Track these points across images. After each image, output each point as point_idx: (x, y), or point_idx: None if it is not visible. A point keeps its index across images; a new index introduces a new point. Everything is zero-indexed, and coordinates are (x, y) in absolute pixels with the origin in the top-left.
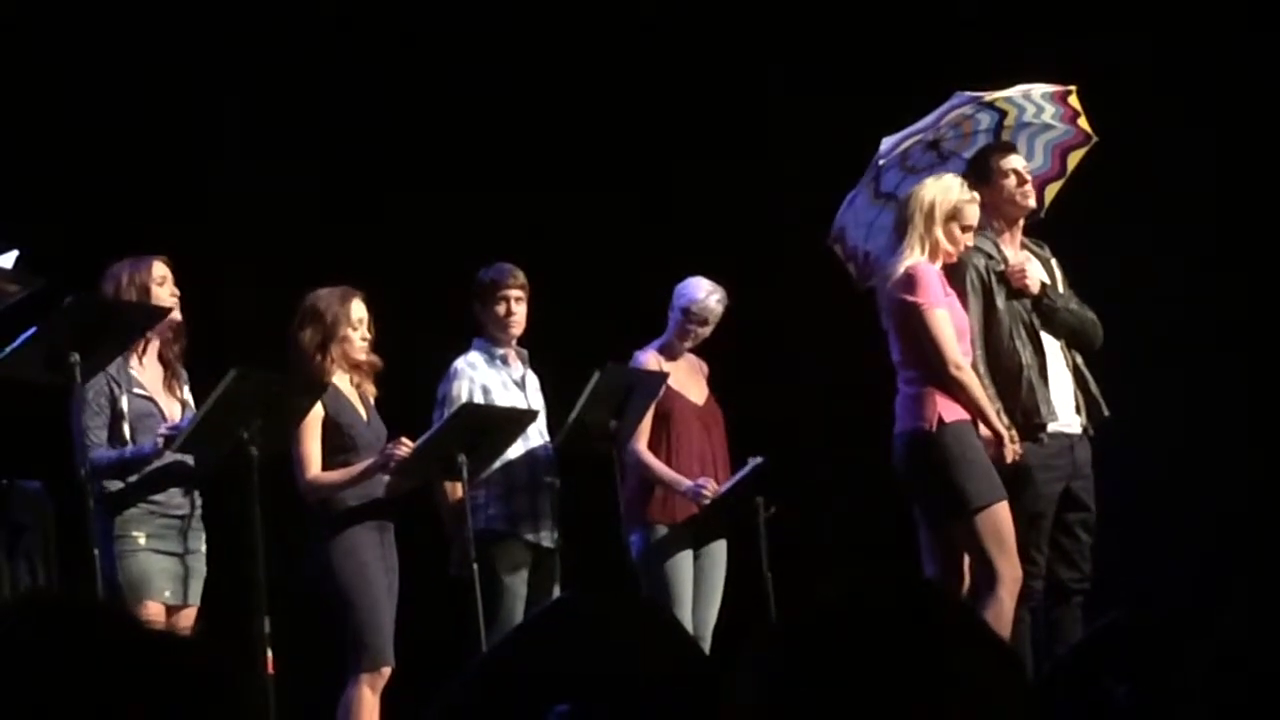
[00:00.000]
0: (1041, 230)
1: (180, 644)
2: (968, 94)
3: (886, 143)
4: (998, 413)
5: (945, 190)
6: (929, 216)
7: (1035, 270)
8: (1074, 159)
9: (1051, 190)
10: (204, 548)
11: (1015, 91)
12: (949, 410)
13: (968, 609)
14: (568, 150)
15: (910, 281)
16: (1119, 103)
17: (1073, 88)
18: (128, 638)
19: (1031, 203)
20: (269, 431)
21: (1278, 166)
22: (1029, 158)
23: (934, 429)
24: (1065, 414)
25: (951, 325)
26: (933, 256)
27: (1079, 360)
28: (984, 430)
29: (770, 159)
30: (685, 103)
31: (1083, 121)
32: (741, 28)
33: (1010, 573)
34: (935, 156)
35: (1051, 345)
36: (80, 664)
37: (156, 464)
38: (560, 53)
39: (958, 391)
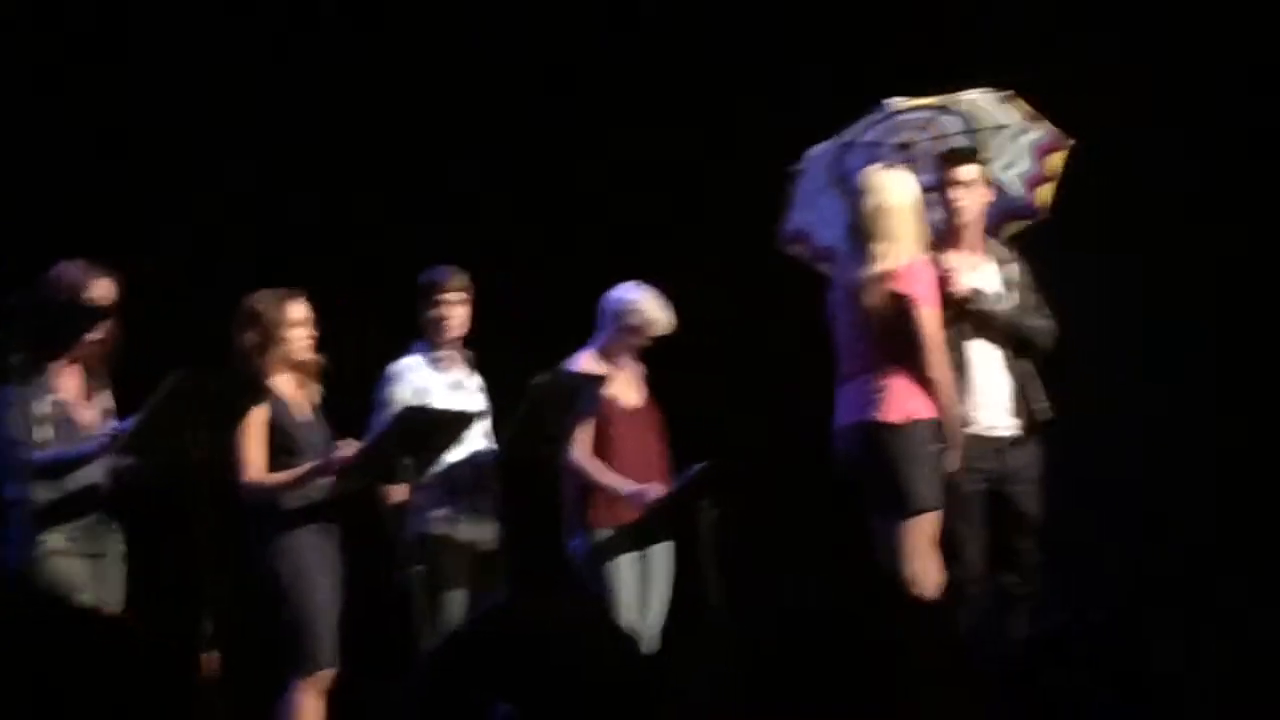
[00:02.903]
0: (1042, 233)
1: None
2: (896, 101)
3: (814, 151)
4: None
5: (914, 185)
6: (915, 210)
7: (965, 277)
8: (1056, 160)
9: (1044, 192)
10: (124, 548)
11: (964, 96)
12: (920, 407)
13: (923, 606)
14: (513, 152)
15: (909, 275)
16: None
17: (1010, 91)
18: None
19: (965, 219)
20: (212, 434)
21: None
22: (1014, 162)
23: (902, 422)
24: (997, 417)
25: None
26: (922, 252)
27: (1025, 365)
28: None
29: (707, 157)
30: (618, 109)
31: (1046, 123)
32: (683, 29)
33: (917, 579)
34: (904, 159)
35: (987, 349)
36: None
37: (81, 473)
38: (503, 50)
39: (935, 391)
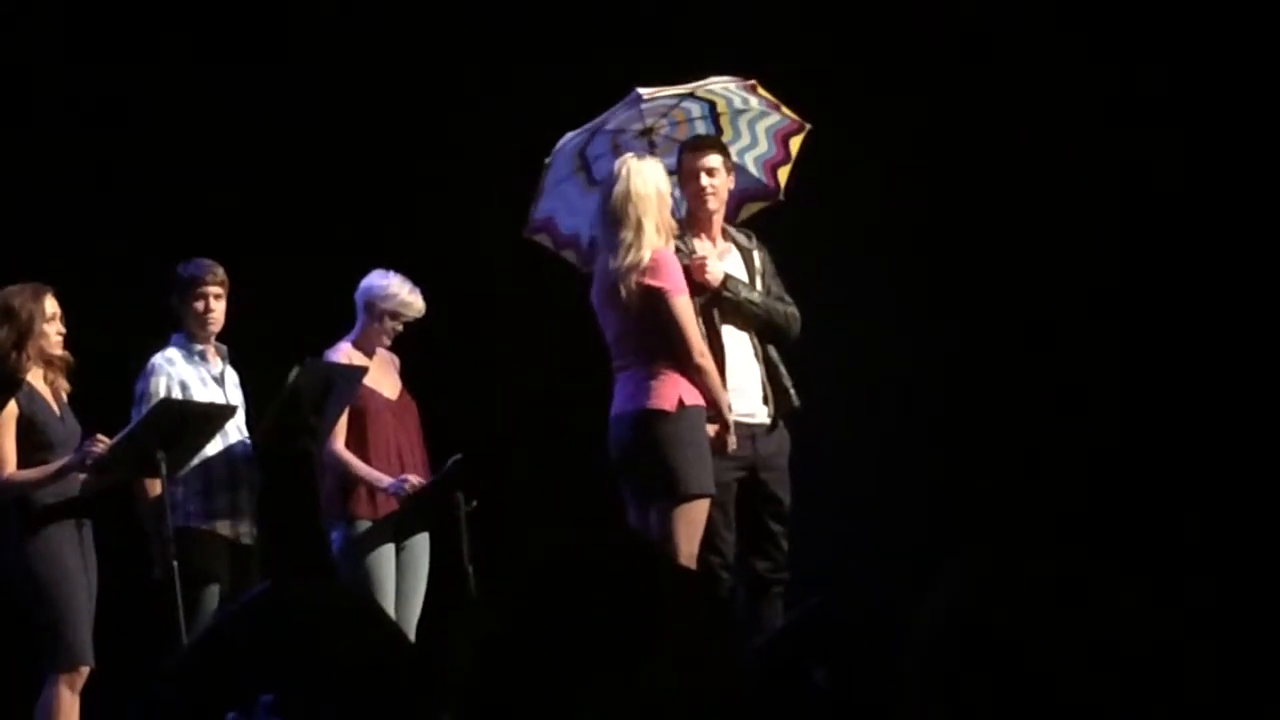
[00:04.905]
0: (778, 215)
1: None
2: (646, 89)
3: (563, 140)
4: None
5: (663, 175)
6: (660, 200)
7: (716, 264)
8: (795, 143)
9: (783, 173)
10: None
11: (711, 83)
12: (689, 394)
13: (681, 566)
14: (265, 145)
15: (657, 267)
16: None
17: (754, 81)
18: None
19: (711, 206)
20: None
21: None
22: (754, 144)
23: (674, 410)
24: (750, 404)
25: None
26: (667, 241)
27: (772, 352)
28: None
29: (462, 152)
30: (381, 104)
31: (786, 109)
32: (430, 27)
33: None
34: (646, 145)
35: (738, 336)
36: None
37: None
38: (268, 46)
39: (700, 378)
